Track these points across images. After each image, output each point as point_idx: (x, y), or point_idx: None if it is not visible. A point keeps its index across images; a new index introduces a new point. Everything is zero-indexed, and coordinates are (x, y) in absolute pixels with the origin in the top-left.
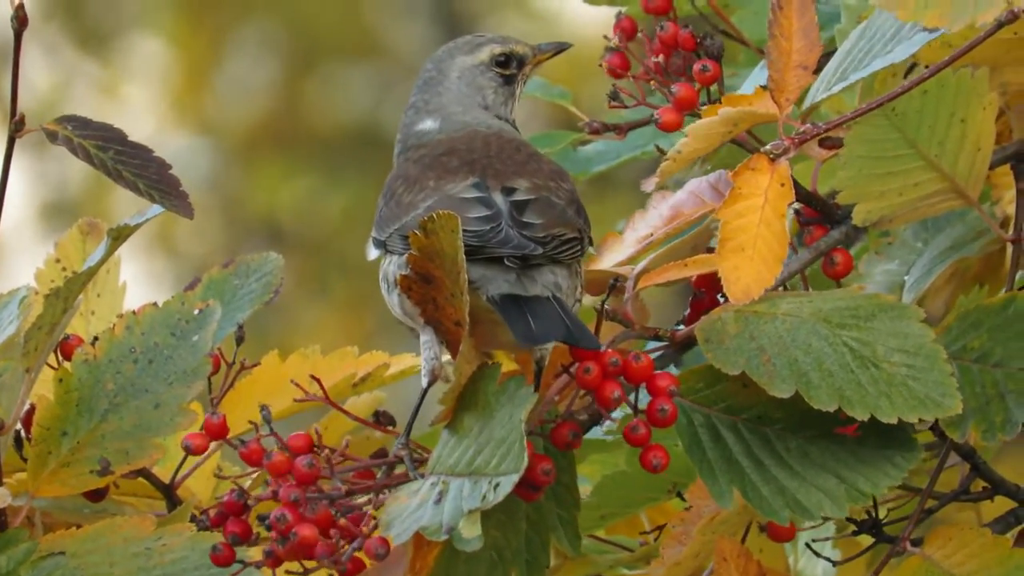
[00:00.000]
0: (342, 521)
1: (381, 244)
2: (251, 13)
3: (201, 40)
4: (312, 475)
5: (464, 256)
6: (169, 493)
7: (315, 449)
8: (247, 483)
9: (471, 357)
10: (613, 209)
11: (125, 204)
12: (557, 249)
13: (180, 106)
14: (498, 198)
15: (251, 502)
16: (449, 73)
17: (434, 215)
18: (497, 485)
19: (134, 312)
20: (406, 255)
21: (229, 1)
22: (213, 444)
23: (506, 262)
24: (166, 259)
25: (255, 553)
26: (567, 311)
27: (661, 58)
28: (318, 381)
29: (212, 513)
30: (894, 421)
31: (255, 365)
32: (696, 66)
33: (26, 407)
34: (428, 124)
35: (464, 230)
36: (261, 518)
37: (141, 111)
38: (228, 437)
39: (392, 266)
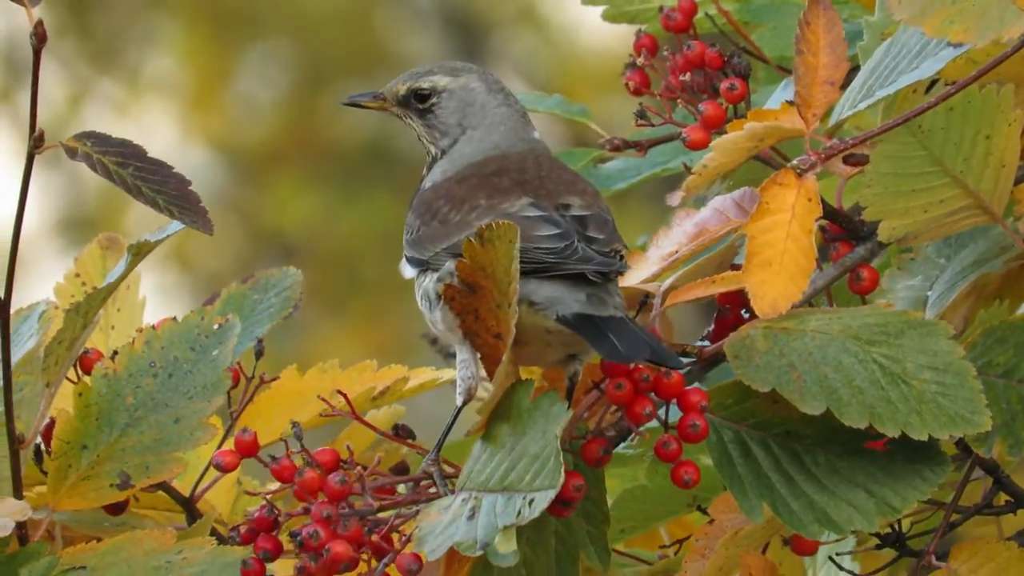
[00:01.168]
0: (373, 538)
1: (421, 263)
2: (262, 29)
3: (213, 56)
4: (344, 492)
5: (520, 273)
6: (189, 506)
7: (344, 465)
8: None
9: (511, 371)
10: (629, 224)
11: (139, 218)
12: (623, 265)
13: (192, 122)
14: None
15: (282, 518)
16: (479, 95)
17: (492, 224)
18: (532, 501)
19: (153, 327)
20: (455, 262)
21: (241, 17)
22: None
23: (591, 278)
24: (179, 274)
25: (281, 568)
26: (643, 330)
27: (689, 76)
28: (344, 396)
29: (243, 529)
30: (925, 438)
31: (274, 379)
32: (723, 84)
33: (46, 421)
34: (465, 145)
35: (536, 248)
36: (293, 535)
37: (153, 127)
38: (256, 447)
39: (431, 283)
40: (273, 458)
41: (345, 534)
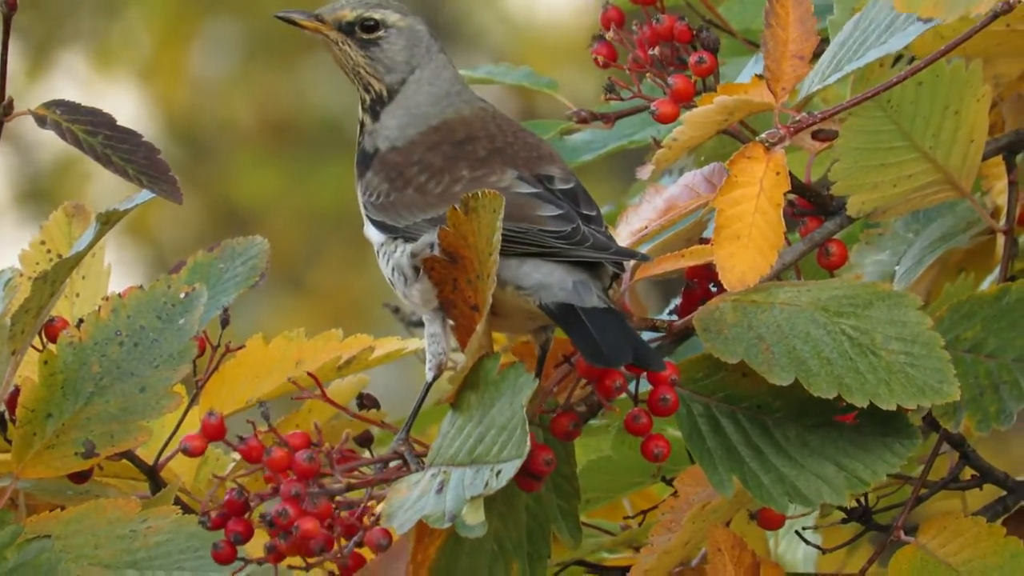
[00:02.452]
0: (343, 515)
1: (393, 230)
2: (222, 5)
3: (170, 30)
4: (312, 470)
5: (517, 253)
6: (153, 475)
7: (313, 445)
8: (230, 470)
9: (484, 342)
10: (593, 194)
11: (97, 187)
12: (644, 255)
13: (149, 95)
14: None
15: (252, 501)
16: (425, 37)
17: (477, 193)
18: (499, 472)
19: (120, 295)
20: (438, 229)
21: None
22: (197, 427)
23: (611, 268)
24: (137, 247)
25: (253, 549)
26: (628, 327)
27: (657, 50)
28: (314, 377)
29: (214, 515)
30: (893, 408)
31: (240, 348)
32: (692, 58)
33: (11, 389)
34: (417, 91)
35: (542, 230)
36: (263, 516)
37: (112, 101)
38: (223, 430)
39: (405, 257)
40: (241, 439)
41: (314, 511)
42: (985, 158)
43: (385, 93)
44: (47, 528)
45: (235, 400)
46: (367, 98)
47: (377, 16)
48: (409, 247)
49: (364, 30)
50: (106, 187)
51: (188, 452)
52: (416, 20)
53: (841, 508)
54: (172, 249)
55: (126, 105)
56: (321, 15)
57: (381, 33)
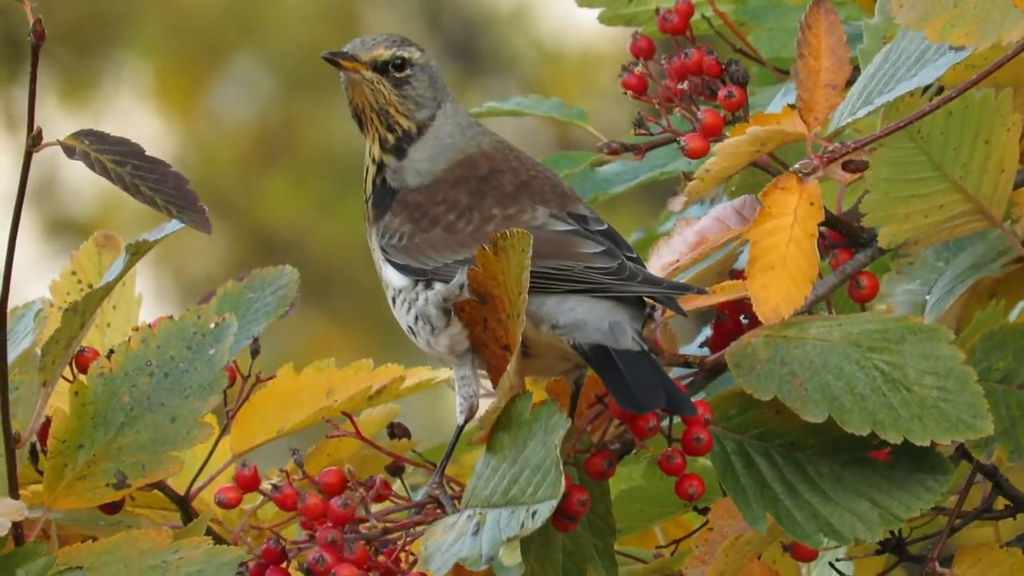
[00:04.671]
0: (380, 559)
1: (421, 272)
2: (249, 33)
3: (197, 58)
4: (347, 515)
5: (561, 291)
6: (184, 505)
7: (348, 487)
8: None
9: (516, 382)
10: (621, 224)
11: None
12: (699, 288)
13: (177, 123)
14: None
15: (291, 550)
16: (437, 73)
17: (506, 232)
18: (535, 513)
19: (150, 325)
20: (467, 269)
21: (224, 22)
22: (228, 457)
23: (659, 303)
24: (168, 278)
25: None
26: (660, 370)
27: (687, 84)
28: (351, 418)
29: (251, 565)
30: (927, 443)
31: (271, 378)
32: (721, 92)
33: (42, 420)
34: (445, 123)
35: (589, 267)
36: (301, 566)
37: (138, 130)
38: (257, 481)
39: (431, 304)
40: (275, 487)
41: (351, 557)
42: (1016, 187)
43: (414, 130)
44: (79, 559)
45: (266, 430)
46: (390, 137)
47: (405, 54)
48: (435, 293)
49: (396, 68)
50: (135, 216)
51: (223, 504)
52: (431, 59)
53: None
54: (208, 280)
55: (162, 136)
56: (356, 56)
57: (409, 71)
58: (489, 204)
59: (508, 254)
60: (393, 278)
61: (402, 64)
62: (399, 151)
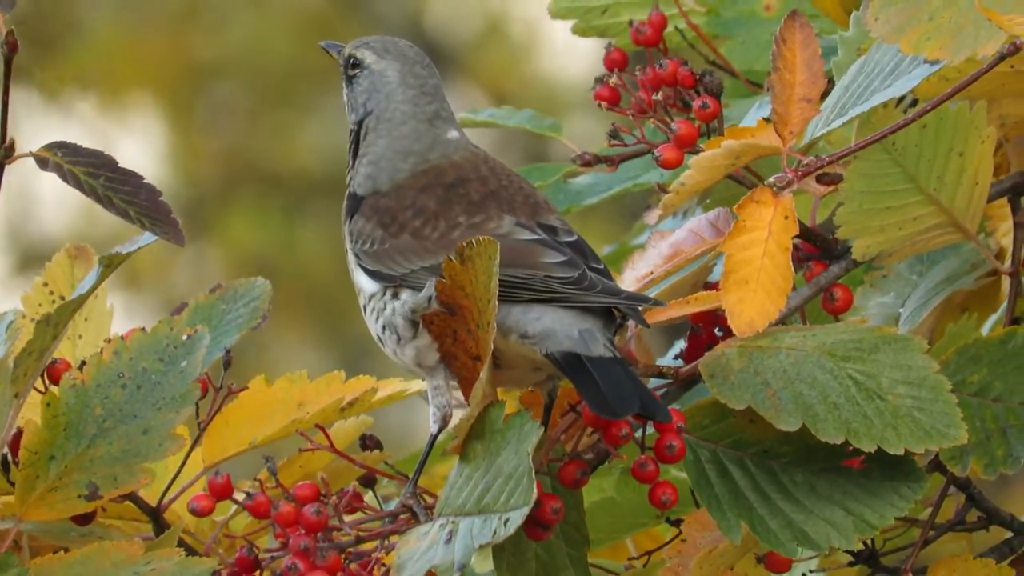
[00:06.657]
0: (353, 567)
1: (390, 279)
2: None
3: (172, 79)
4: (320, 523)
5: (522, 300)
6: (156, 517)
7: (322, 497)
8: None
9: (488, 391)
10: (592, 236)
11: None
12: (655, 300)
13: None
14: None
15: (264, 558)
16: (390, 84)
17: (472, 241)
18: (507, 520)
19: (122, 337)
20: (434, 281)
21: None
22: (200, 468)
23: (623, 311)
24: (133, 292)
25: None
26: (634, 376)
27: (661, 95)
28: (323, 430)
29: (224, 574)
30: (901, 452)
31: (242, 389)
32: (696, 103)
33: (13, 431)
34: (377, 137)
35: (549, 276)
36: (273, 572)
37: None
38: (230, 489)
39: (399, 315)
40: (248, 495)
41: (323, 565)
42: (990, 200)
43: (356, 132)
44: (51, 571)
45: (238, 442)
46: (350, 136)
47: (359, 55)
48: (403, 304)
49: (349, 67)
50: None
51: (196, 512)
52: (393, 66)
53: (848, 551)
54: (177, 296)
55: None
56: (341, 50)
57: (356, 72)
58: (456, 212)
59: (475, 262)
60: (365, 284)
61: (355, 63)
62: (354, 153)
